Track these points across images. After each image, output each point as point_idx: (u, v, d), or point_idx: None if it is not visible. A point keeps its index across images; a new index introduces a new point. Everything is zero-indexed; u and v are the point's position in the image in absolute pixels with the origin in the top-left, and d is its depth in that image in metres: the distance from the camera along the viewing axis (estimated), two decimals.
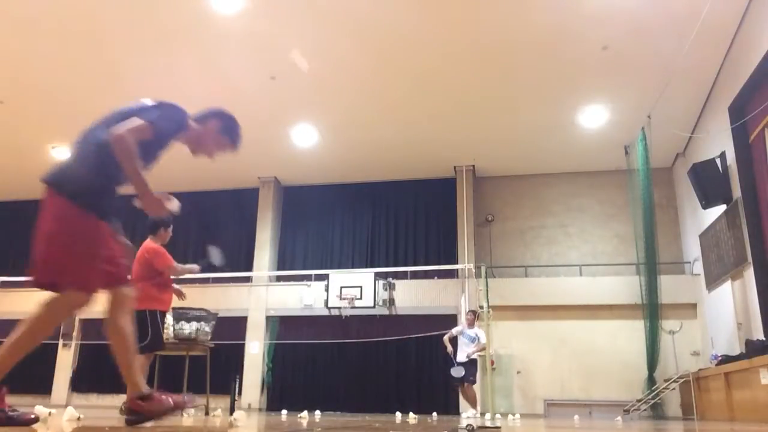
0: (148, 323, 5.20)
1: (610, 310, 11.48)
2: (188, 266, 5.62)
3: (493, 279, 11.64)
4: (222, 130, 3.06)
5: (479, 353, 9.29)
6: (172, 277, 5.66)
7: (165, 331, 6.01)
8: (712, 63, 9.08)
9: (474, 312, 9.54)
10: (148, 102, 2.86)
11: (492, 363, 10.81)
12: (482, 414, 9.36)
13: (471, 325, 9.19)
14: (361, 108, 10.69)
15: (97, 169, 2.70)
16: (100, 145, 2.68)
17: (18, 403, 2.87)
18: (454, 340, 9.15)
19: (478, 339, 9.05)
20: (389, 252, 13.13)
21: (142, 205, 2.79)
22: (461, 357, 9.02)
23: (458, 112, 10.73)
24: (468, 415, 8.83)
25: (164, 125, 2.78)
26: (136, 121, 2.67)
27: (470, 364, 9.03)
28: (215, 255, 5.29)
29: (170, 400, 2.84)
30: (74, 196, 2.65)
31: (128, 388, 2.82)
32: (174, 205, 2.99)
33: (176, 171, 13.27)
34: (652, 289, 10.49)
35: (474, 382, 9.06)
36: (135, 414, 2.80)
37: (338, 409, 11.47)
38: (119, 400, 5.25)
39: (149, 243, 5.56)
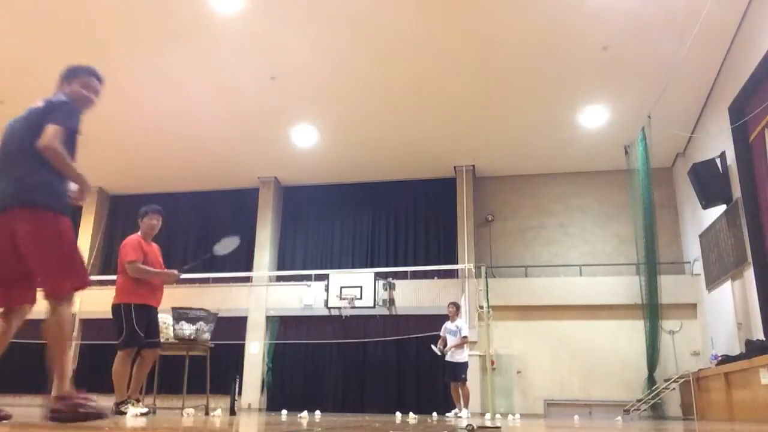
0: (123, 318, 4.96)
1: (610, 310, 11.47)
2: (160, 271, 5.25)
3: (493, 279, 11.64)
4: (84, 86, 3.27)
5: (471, 353, 9.15)
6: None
7: (165, 331, 5.99)
8: (712, 63, 9.08)
9: (455, 304, 9.36)
10: (46, 104, 3.03)
11: (492, 363, 10.80)
12: (481, 414, 9.33)
13: (453, 317, 9.12)
14: (361, 108, 10.69)
15: (51, 172, 2.88)
16: (36, 152, 2.85)
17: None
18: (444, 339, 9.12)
19: (460, 331, 8.95)
20: (389, 252, 13.13)
21: (81, 198, 3.08)
22: (447, 353, 8.95)
23: (458, 112, 10.72)
24: (452, 414, 8.77)
25: (74, 123, 3.01)
26: (53, 128, 2.86)
27: (459, 363, 8.89)
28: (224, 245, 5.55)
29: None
30: (50, 205, 2.86)
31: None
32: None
33: (176, 171, 13.35)
34: (652, 289, 10.49)
35: (465, 380, 8.93)
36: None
37: (338, 409, 11.47)
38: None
39: (132, 235, 5.36)
